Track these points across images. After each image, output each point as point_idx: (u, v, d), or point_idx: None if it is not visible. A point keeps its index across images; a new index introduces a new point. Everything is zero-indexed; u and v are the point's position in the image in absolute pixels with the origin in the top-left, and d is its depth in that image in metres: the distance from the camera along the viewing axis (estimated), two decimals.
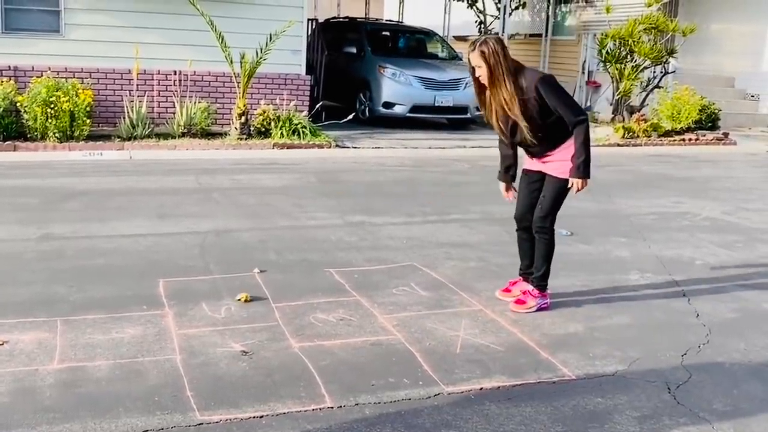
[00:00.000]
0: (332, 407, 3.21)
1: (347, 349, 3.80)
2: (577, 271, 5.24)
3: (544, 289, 4.49)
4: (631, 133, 12.41)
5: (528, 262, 4.58)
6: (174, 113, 10.60)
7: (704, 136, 12.78)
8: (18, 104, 9.47)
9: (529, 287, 4.49)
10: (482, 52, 4.06)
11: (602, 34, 13.35)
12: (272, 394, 3.30)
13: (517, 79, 4.09)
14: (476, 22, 17.00)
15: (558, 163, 4.24)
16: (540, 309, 4.43)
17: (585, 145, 4.11)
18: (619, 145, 12.09)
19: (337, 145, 10.70)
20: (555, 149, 4.22)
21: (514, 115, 4.11)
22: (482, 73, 4.11)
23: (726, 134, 12.93)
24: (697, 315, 4.51)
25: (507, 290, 4.67)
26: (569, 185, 4.22)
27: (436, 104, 12.76)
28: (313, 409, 3.18)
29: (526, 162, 4.48)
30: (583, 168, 4.12)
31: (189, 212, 6.55)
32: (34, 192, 7.12)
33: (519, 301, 4.45)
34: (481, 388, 3.44)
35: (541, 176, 4.37)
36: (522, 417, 3.20)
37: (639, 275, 5.25)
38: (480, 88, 4.24)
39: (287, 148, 10.34)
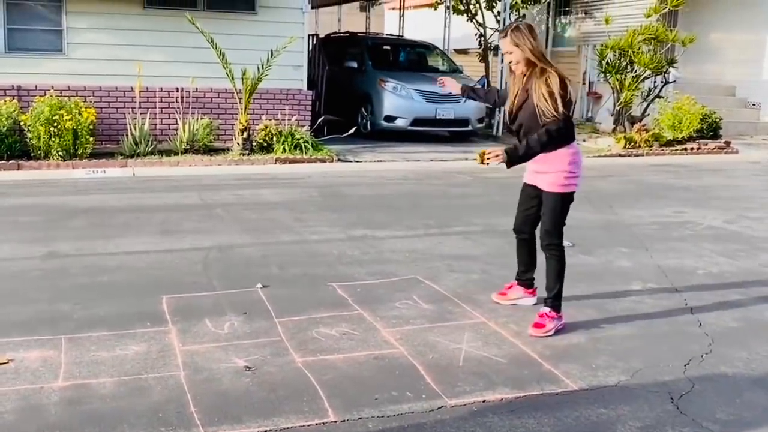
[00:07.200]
0: (336, 421, 3.22)
1: (350, 363, 3.81)
2: (579, 281, 5.24)
3: (558, 310, 4.35)
4: (632, 143, 12.44)
5: (523, 267, 4.67)
6: (176, 130, 10.66)
7: (706, 145, 12.80)
8: (21, 123, 9.53)
9: (546, 309, 4.33)
10: (513, 38, 4.13)
11: (602, 45, 13.40)
12: (276, 409, 3.31)
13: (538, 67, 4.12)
14: (476, 35, 17.07)
15: (551, 175, 4.23)
16: (557, 331, 4.29)
17: (539, 141, 4.02)
18: (620, 155, 12.11)
19: (339, 159, 10.74)
20: (547, 157, 4.16)
21: (532, 102, 4.10)
22: (513, 58, 4.17)
23: (728, 143, 12.94)
24: (700, 324, 4.51)
25: (503, 294, 4.77)
26: (563, 195, 4.24)
27: (438, 117, 12.79)
28: (316, 424, 3.19)
29: (525, 174, 4.50)
30: (512, 152, 4.05)
31: (192, 228, 6.58)
32: (38, 210, 7.15)
33: (537, 325, 4.28)
34: (484, 401, 3.45)
35: (537, 192, 4.38)
36: (525, 429, 3.20)
37: (641, 285, 5.25)
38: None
39: (289, 162, 10.39)
